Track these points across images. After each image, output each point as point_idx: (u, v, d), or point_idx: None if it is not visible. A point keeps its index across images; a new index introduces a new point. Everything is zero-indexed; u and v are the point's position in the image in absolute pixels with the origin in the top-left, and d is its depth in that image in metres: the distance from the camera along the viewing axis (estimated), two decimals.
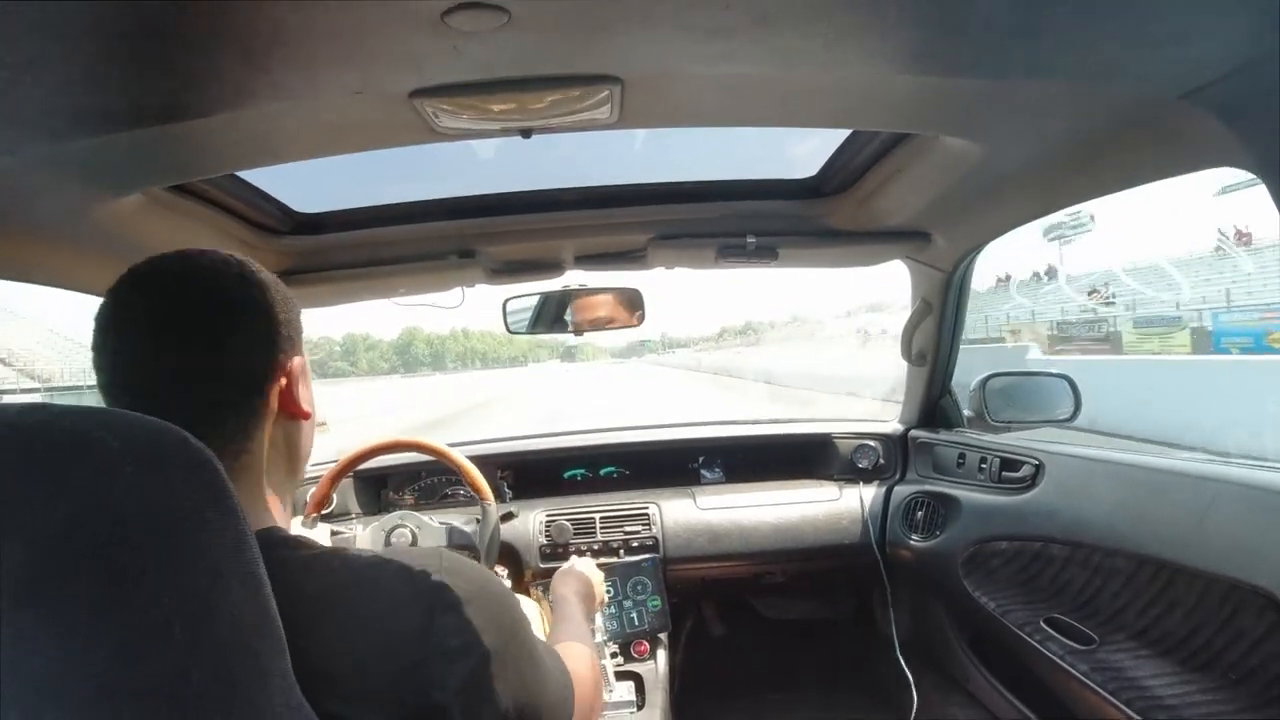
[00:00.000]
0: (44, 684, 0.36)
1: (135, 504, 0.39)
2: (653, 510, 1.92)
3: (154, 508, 0.40)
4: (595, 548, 1.85)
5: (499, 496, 1.94)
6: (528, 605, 1.52)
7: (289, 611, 0.48)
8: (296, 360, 0.65)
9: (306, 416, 0.67)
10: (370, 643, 0.54)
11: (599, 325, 1.75)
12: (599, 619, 1.59)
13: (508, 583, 1.70)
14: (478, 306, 1.78)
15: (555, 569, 1.78)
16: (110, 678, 0.37)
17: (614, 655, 1.66)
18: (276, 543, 0.57)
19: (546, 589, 1.75)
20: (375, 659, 0.54)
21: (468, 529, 1.53)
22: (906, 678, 1.87)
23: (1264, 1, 0.66)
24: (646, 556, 1.84)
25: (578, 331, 1.78)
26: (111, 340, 0.58)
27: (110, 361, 0.58)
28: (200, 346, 0.58)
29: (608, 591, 1.65)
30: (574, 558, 1.45)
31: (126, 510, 0.39)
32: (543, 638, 1.44)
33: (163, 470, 0.41)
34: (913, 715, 1.83)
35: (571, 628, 1.04)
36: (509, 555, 1.82)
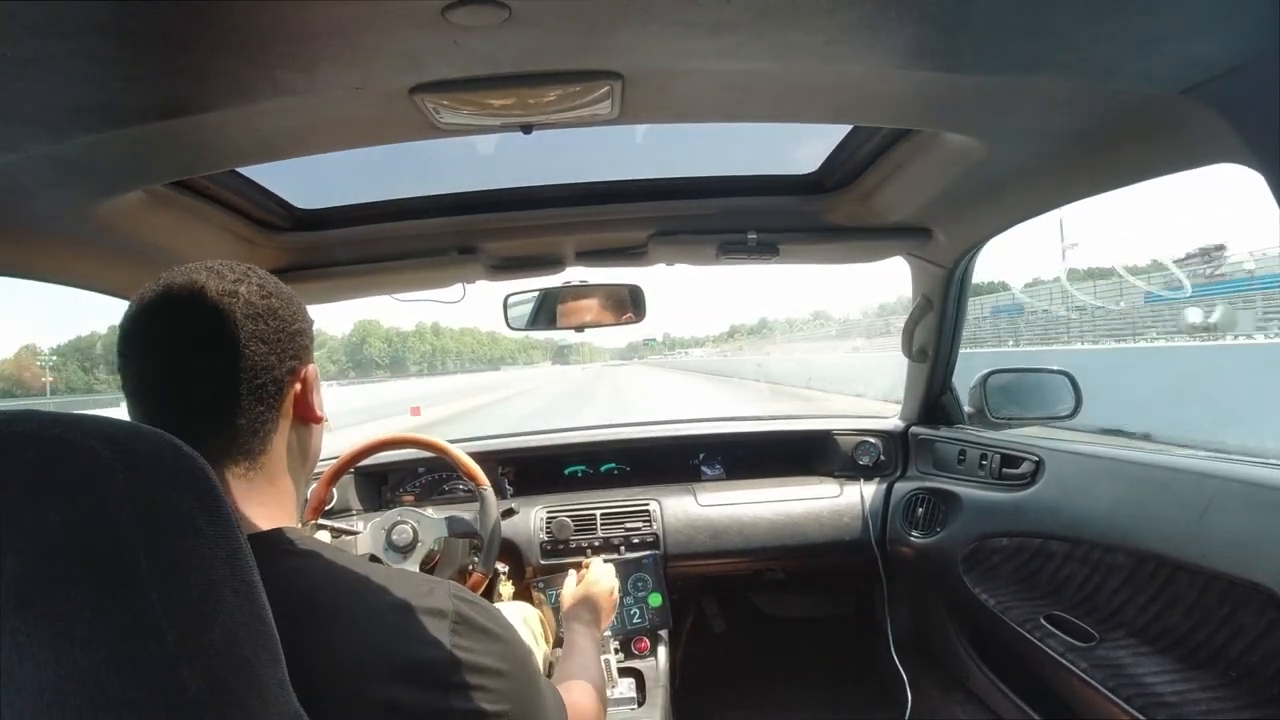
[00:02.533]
0: (38, 692, 0.36)
1: (127, 512, 0.39)
2: (653, 507, 1.92)
3: (146, 516, 0.40)
4: (596, 544, 1.85)
5: (500, 493, 1.94)
6: (529, 611, 1.53)
7: (296, 608, 0.49)
8: (310, 368, 0.68)
9: (319, 421, 0.70)
10: (380, 642, 0.56)
11: (600, 322, 1.75)
12: None
13: (509, 587, 1.70)
14: (460, 304, 1.78)
15: (557, 565, 1.80)
16: (105, 687, 0.37)
17: (615, 652, 1.67)
18: (289, 542, 0.60)
19: (547, 587, 1.76)
20: (385, 656, 0.55)
21: (468, 517, 1.53)
22: (901, 676, 1.88)
23: None
24: (647, 553, 1.84)
25: (579, 328, 1.78)
26: (137, 348, 0.61)
27: (136, 370, 0.60)
28: (220, 356, 0.60)
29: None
30: (592, 562, 1.43)
31: (118, 518, 0.39)
32: (543, 644, 1.46)
33: (154, 478, 0.41)
34: (908, 713, 1.84)
35: (579, 661, 1.06)
36: (510, 552, 1.82)
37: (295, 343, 0.66)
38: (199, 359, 0.60)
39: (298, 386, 0.66)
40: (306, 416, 0.68)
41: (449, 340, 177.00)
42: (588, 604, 1.27)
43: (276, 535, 0.60)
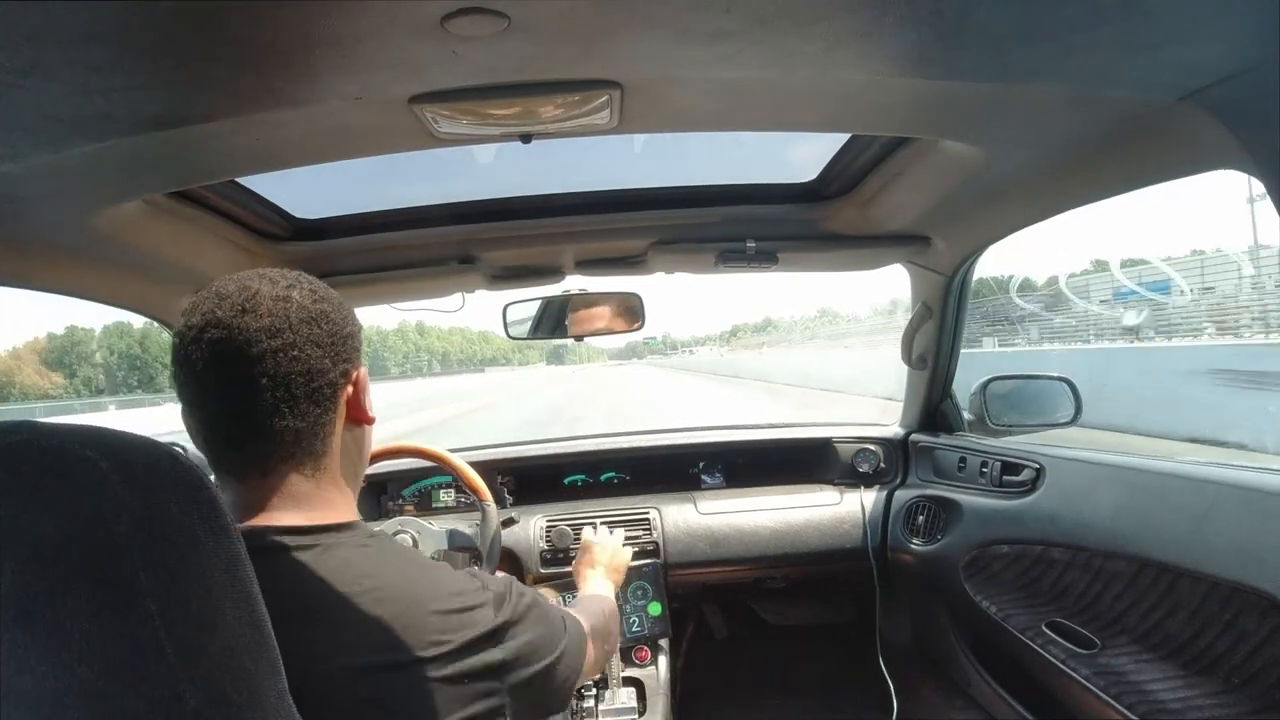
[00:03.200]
0: (37, 704, 0.36)
1: (125, 523, 0.39)
2: (653, 515, 1.91)
3: (144, 527, 0.40)
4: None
5: (500, 502, 1.93)
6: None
7: (373, 587, 0.58)
8: (362, 370, 0.71)
9: (371, 421, 0.73)
10: (447, 622, 0.62)
11: (599, 330, 1.75)
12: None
13: None
14: (452, 302, 1.78)
15: (557, 574, 1.79)
16: (104, 698, 0.37)
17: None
18: (363, 533, 0.66)
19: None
20: (455, 632, 0.62)
21: (468, 531, 1.53)
22: (887, 682, 1.87)
23: (1264, 4, 0.66)
24: (647, 561, 1.83)
25: (578, 337, 1.78)
26: (194, 356, 0.61)
27: (195, 378, 0.62)
28: (279, 360, 0.62)
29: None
30: (584, 531, 1.46)
31: (116, 529, 0.39)
32: None
33: (152, 489, 0.41)
34: (894, 718, 1.83)
35: (587, 595, 1.16)
36: (510, 560, 1.82)
37: (347, 345, 0.68)
38: (259, 364, 0.61)
39: (350, 389, 0.69)
40: (359, 418, 0.71)
41: (434, 340, 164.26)
42: (588, 562, 1.33)
43: (351, 526, 0.65)
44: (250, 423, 0.61)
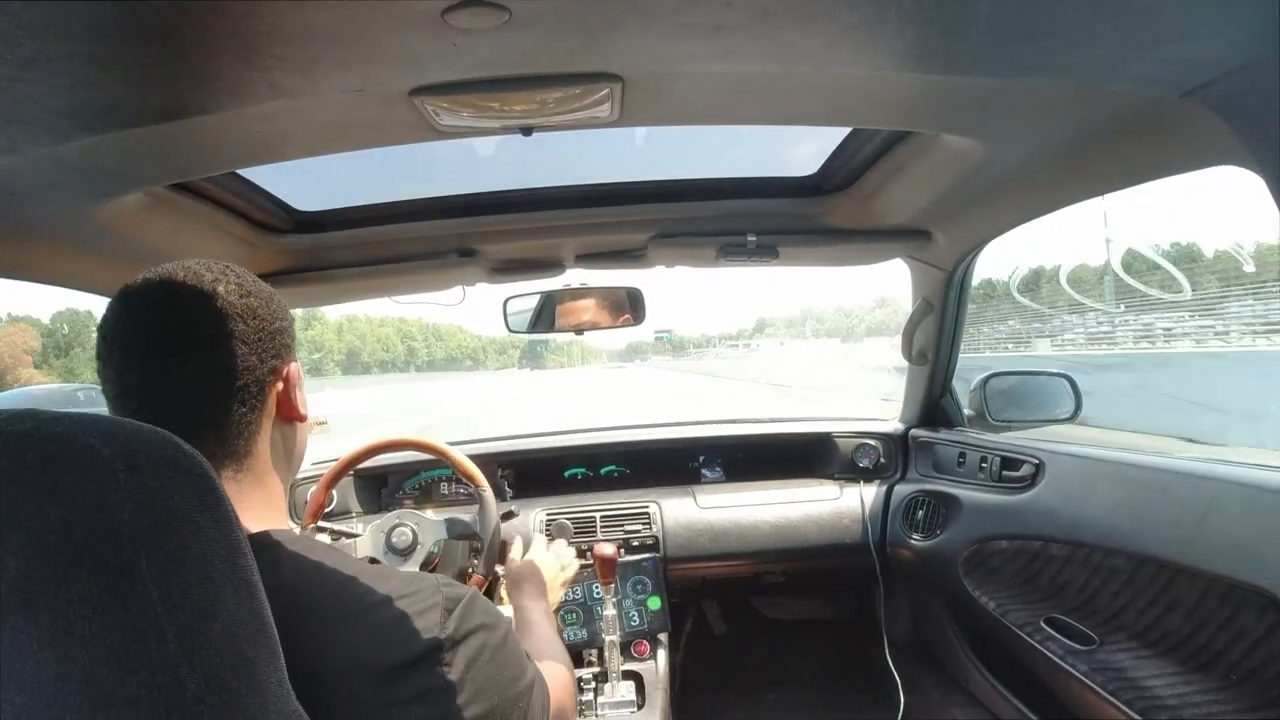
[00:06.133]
0: (39, 690, 0.36)
1: (127, 511, 0.39)
2: (653, 509, 1.92)
3: (146, 514, 0.40)
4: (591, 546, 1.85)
5: (500, 495, 1.93)
6: None
7: (287, 609, 0.50)
8: (293, 366, 0.68)
9: (303, 419, 0.70)
10: (375, 642, 0.57)
11: (599, 324, 1.75)
12: (608, 612, 1.59)
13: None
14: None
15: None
16: (104, 685, 0.37)
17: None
18: (278, 544, 0.60)
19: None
20: (380, 655, 0.56)
21: (468, 519, 1.53)
22: (894, 678, 1.88)
23: (1264, 0, 0.65)
24: (647, 556, 1.84)
25: (578, 331, 1.78)
26: (116, 354, 0.60)
27: (116, 374, 0.60)
28: (201, 359, 0.60)
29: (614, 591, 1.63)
30: (534, 539, 1.37)
31: (118, 517, 0.39)
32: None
33: (155, 477, 0.41)
34: (900, 715, 1.84)
35: (538, 636, 1.01)
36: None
37: (276, 341, 0.65)
38: (180, 363, 0.59)
39: (280, 385, 0.66)
40: (290, 415, 0.68)
41: (330, 334, 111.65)
42: (534, 576, 1.20)
43: (265, 538, 0.60)
44: (173, 424, 0.53)
